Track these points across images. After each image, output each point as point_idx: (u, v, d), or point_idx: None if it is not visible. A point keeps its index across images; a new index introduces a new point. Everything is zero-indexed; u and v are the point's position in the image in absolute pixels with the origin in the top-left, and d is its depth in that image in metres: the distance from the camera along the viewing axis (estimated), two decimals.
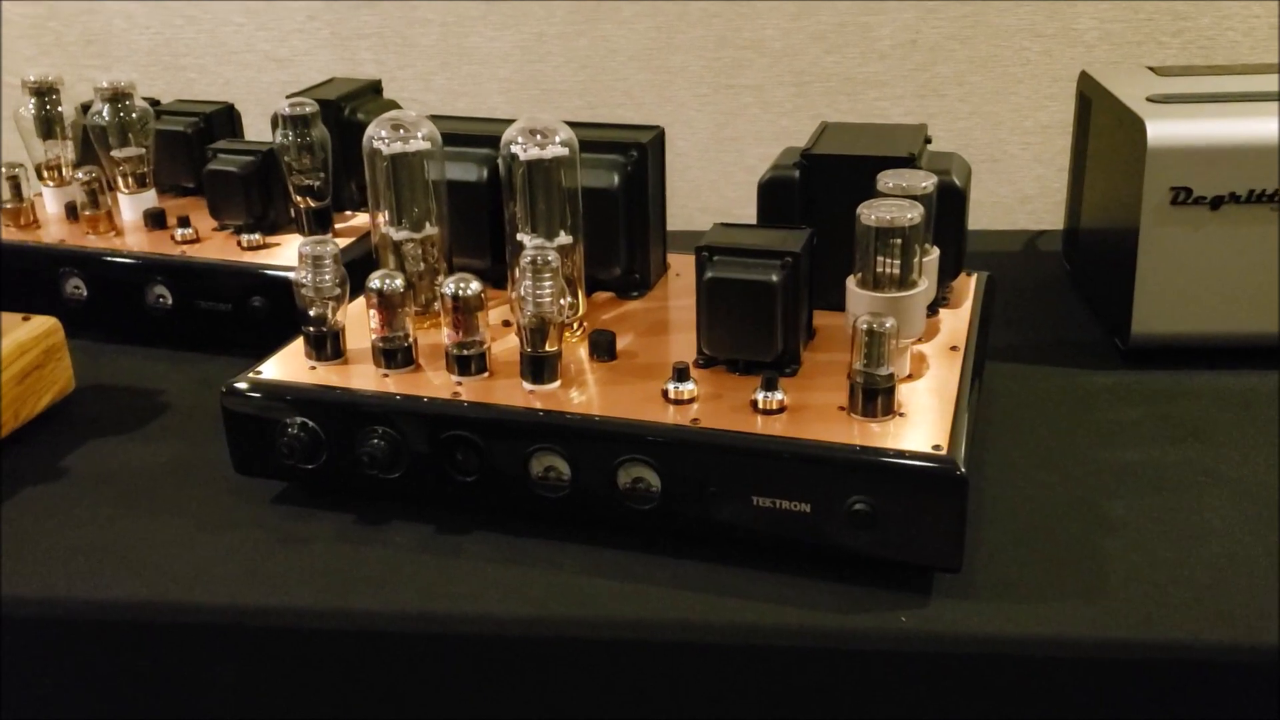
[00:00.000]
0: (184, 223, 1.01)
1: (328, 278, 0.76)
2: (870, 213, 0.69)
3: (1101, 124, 0.97)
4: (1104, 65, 1.01)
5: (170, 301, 0.98)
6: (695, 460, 0.67)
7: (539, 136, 0.76)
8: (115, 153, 1.05)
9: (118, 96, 1.04)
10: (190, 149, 1.10)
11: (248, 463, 0.77)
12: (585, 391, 0.72)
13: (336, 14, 1.29)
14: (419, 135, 0.79)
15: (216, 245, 1.00)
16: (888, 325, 0.65)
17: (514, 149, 0.77)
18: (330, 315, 0.76)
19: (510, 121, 0.88)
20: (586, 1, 1.25)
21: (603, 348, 0.76)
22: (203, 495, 0.79)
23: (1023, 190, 1.28)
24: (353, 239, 1.01)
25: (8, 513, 0.77)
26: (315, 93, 1.07)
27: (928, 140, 0.83)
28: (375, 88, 1.11)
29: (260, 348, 0.95)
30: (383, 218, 0.82)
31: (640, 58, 1.27)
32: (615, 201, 0.83)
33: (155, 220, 1.04)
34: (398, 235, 0.81)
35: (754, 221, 0.80)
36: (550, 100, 1.30)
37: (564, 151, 0.76)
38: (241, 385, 0.75)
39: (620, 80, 1.28)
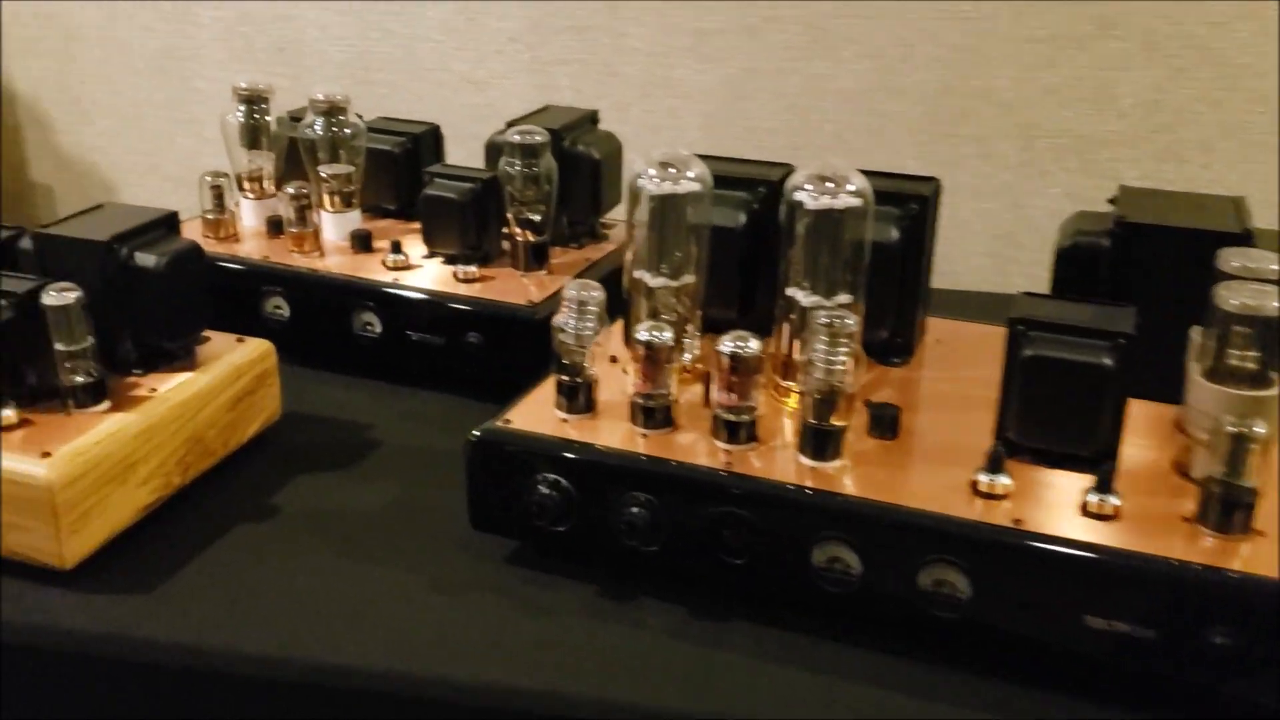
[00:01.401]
0: (396, 248, 0.95)
1: (590, 325, 0.69)
2: (1233, 297, 0.60)
3: None
4: None
5: (378, 330, 0.93)
6: (1017, 568, 0.59)
7: (830, 184, 0.69)
8: (323, 169, 1.00)
9: (332, 110, 1.00)
10: (396, 169, 1.05)
11: (487, 518, 0.70)
12: (877, 474, 0.65)
13: (540, 37, 1.24)
14: (689, 175, 0.73)
15: (430, 274, 0.94)
16: (1260, 431, 0.56)
17: (800, 196, 0.70)
18: (587, 364, 0.70)
19: (777, 165, 0.82)
20: (804, 39, 1.18)
21: (885, 424, 0.68)
22: (430, 548, 0.72)
23: None
24: (568, 278, 0.95)
25: (220, 552, 0.72)
26: (533, 120, 1.01)
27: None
28: (592, 118, 1.06)
29: (471, 385, 0.90)
30: (631, 257, 0.76)
31: (855, 99, 1.20)
32: (893, 258, 0.75)
33: (361, 242, 0.99)
34: (654, 281, 0.74)
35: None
36: (752, 139, 1.23)
37: (857, 202, 0.69)
38: (490, 435, 0.69)
39: (829, 122, 1.21)
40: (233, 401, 0.80)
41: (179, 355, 0.79)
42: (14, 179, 1.47)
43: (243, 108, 1.03)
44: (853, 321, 0.64)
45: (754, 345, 0.66)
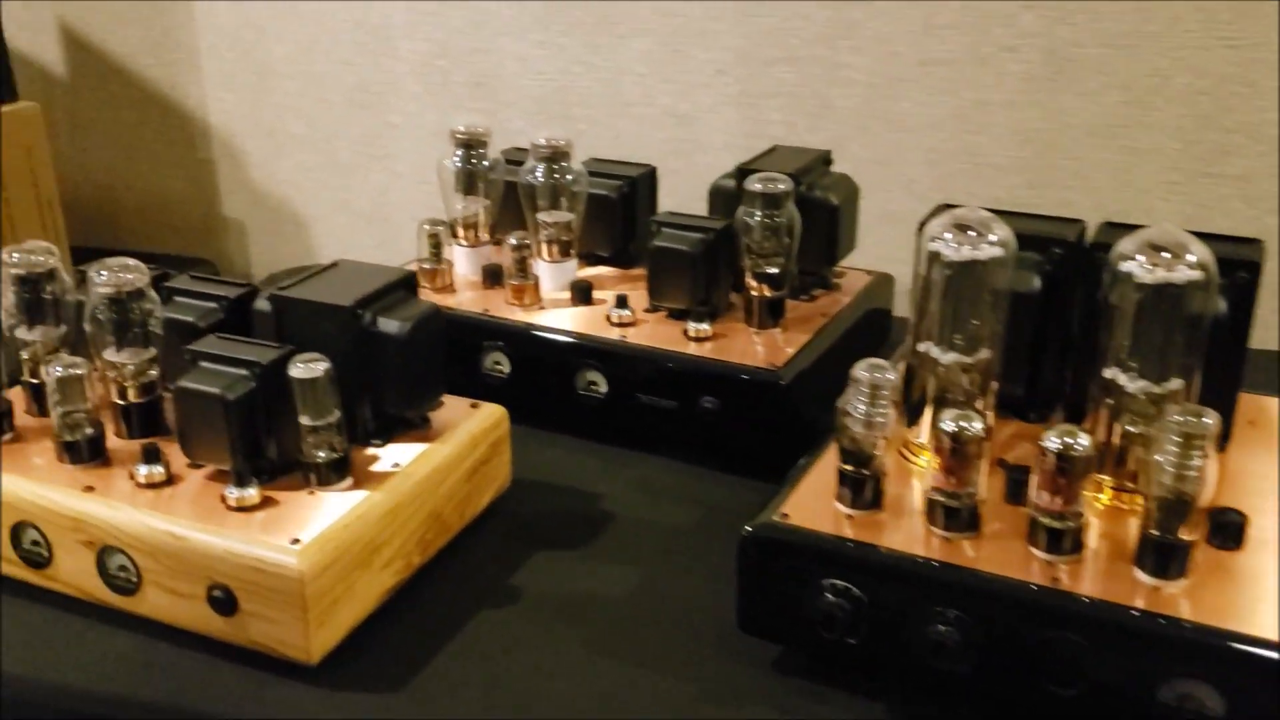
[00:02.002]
0: (621, 302, 0.89)
1: (883, 411, 0.62)
2: None
3: None
4: None
5: (604, 390, 0.87)
6: None
7: (1165, 254, 0.60)
8: (543, 216, 0.95)
9: (555, 156, 0.94)
10: (613, 215, 0.99)
11: (758, 621, 0.63)
12: (1230, 595, 0.56)
13: (749, 69, 1.17)
14: (991, 239, 0.65)
15: (658, 331, 0.88)
16: None
17: (1129, 267, 0.61)
18: (879, 455, 0.62)
19: (1068, 221, 0.73)
20: (1046, 69, 1.09)
21: (1229, 532, 0.59)
22: (687, 647, 0.66)
23: None
24: (807, 336, 0.88)
25: (467, 642, 0.66)
26: (761, 163, 0.94)
27: None
28: (825, 159, 0.98)
29: (704, 452, 0.84)
30: (916, 328, 0.68)
31: (1101, 134, 1.10)
32: (1221, 335, 0.66)
33: (582, 294, 0.93)
34: (945, 358, 0.66)
35: None
36: (982, 176, 1.14)
37: (1198, 275, 0.60)
38: (766, 531, 0.62)
39: (1071, 159, 1.11)
40: (470, 473, 0.75)
41: (416, 423, 0.75)
42: (207, 214, 1.47)
43: (460, 152, 0.98)
44: (1211, 422, 0.55)
45: (1084, 442, 0.57)
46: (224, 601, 0.63)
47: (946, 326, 0.66)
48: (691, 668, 0.64)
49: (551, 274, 0.96)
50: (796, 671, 0.64)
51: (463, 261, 1.00)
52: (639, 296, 0.91)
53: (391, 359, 0.71)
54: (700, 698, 0.62)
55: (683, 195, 1.21)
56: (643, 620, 0.69)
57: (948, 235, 0.65)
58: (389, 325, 0.71)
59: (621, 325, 0.89)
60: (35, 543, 0.68)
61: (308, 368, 0.66)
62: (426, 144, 1.33)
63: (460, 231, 0.99)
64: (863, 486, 0.63)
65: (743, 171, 0.93)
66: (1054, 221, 0.73)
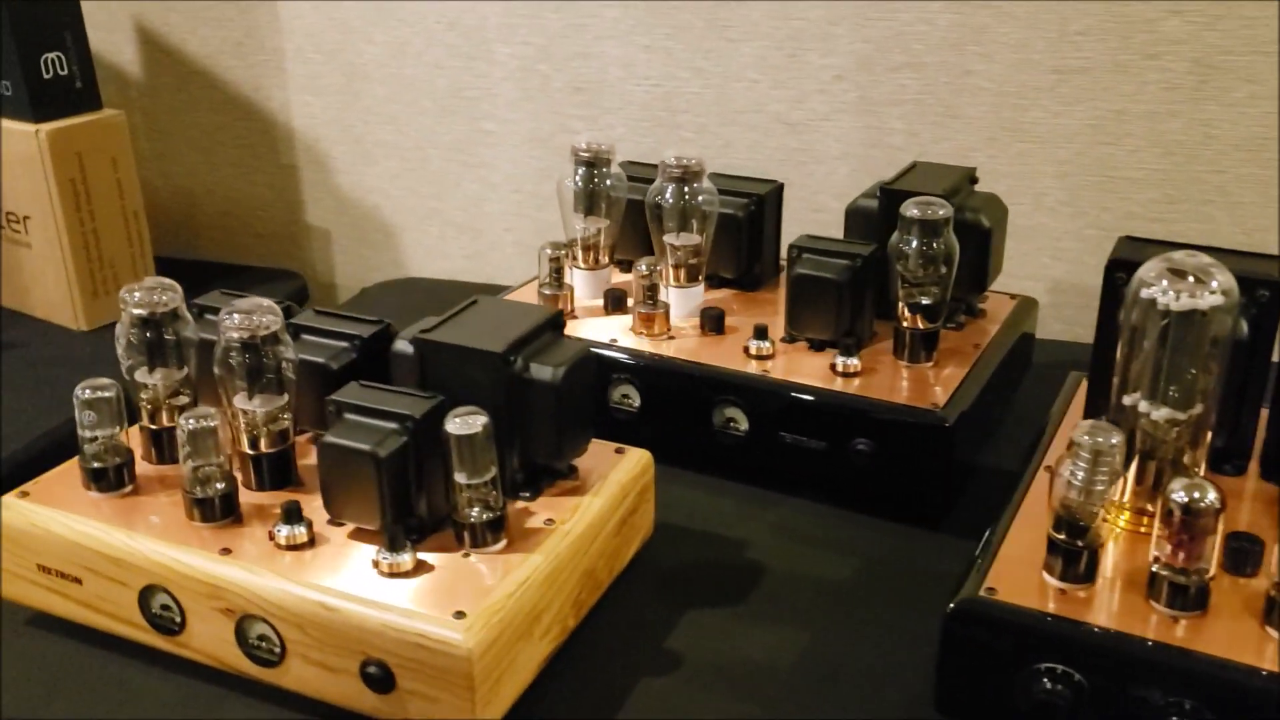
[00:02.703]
0: (761, 334, 0.84)
1: (1105, 479, 0.56)
2: None
3: None
4: None
5: (744, 428, 0.82)
6: None
7: None
8: (670, 239, 0.90)
9: (687, 176, 0.89)
10: (738, 235, 0.94)
11: (959, 703, 0.58)
12: None
13: (872, 75, 1.11)
14: (1213, 286, 0.59)
15: (800, 364, 0.83)
16: None
17: None
18: (1098, 527, 0.57)
19: (1264, 257, 0.67)
20: (1190, 78, 1.02)
21: None
22: None
23: None
24: (963, 370, 0.82)
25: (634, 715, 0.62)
26: (904, 183, 0.88)
27: None
28: (971, 177, 0.92)
29: (850, 495, 0.80)
30: (1118, 377, 0.62)
31: (1247, 147, 1.03)
32: None
33: (713, 323, 0.88)
34: (1157, 414, 0.60)
35: None
36: (1116, 190, 1.08)
37: None
38: (974, 608, 0.57)
39: (1216, 172, 1.05)
40: (619, 525, 0.70)
41: (564, 473, 0.70)
42: (290, 221, 1.43)
43: (582, 170, 0.93)
44: None
45: None
46: (380, 678, 0.58)
47: (1160, 379, 0.60)
48: None
49: (678, 300, 0.90)
50: None
51: (581, 285, 0.95)
52: (771, 323, 0.86)
53: (544, 407, 0.66)
54: None
55: (795, 207, 1.16)
56: (820, 692, 0.64)
57: (1164, 282, 0.59)
58: (542, 372, 0.66)
59: (760, 358, 0.84)
60: (165, 608, 0.64)
61: (465, 423, 0.61)
62: (523, 152, 1.28)
63: (579, 254, 0.94)
64: (1077, 559, 0.57)
65: (886, 191, 0.87)
66: (1248, 258, 0.67)
